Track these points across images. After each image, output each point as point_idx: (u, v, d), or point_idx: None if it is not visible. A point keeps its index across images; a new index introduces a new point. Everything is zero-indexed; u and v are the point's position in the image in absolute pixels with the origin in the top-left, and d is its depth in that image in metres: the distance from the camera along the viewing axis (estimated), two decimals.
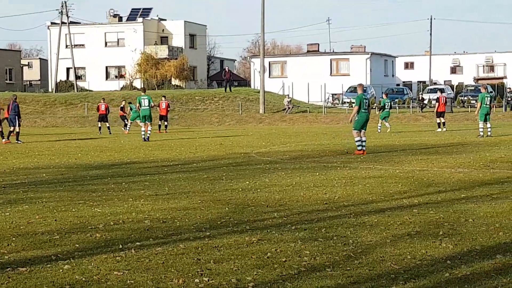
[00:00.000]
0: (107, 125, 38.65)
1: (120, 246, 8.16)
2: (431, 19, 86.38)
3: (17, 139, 29.64)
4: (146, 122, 29.59)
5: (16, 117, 29.85)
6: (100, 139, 32.06)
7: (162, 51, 74.62)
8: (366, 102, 20.89)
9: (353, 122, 20.83)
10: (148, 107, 29.24)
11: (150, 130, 30.00)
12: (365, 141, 20.80)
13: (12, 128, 30.20)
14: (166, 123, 40.16)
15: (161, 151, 23.47)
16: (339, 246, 8.06)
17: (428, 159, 18.48)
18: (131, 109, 38.10)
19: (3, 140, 29.58)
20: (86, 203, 11.50)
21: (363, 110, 20.69)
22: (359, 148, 20.48)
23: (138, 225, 9.55)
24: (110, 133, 37.61)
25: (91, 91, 67.53)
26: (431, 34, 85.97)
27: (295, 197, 11.96)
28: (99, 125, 38.93)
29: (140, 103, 29.19)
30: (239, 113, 54.31)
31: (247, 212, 10.45)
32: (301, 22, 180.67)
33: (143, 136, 29.47)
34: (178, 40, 77.34)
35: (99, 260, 7.53)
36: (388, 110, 36.15)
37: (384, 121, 35.47)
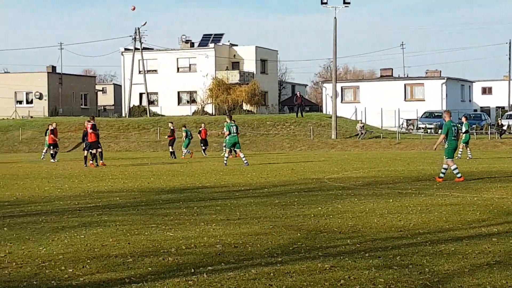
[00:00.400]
0: (171, 149, 39.15)
1: (192, 270, 8.23)
2: (509, 43, 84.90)
3: (85, 163, 30.36)
4: (235, 149, 29.94)
5: (88, 141, 30.85)
6: (172, 164, 32.44)
7: (233, 76, 75.30)
8: (455, 130, 20.69)
9: (437, 149, 20.75)
10: (236, 134, 29.54)
11: (245, 157, 29.92)
12: (446, 168, 20.53)
13: (86, 153, 30.93)
14: (204, 147, 42.57)
15: (232, 176, 23.60)
16: (415, 274, 7.93)
17: (508, 187, 18.07)
18: (186, 134, 39.47)
19: (100, 162, 30.31)
20: (159, 227, 11.65)
21: (453, 138, 20.53)
22: (459, 175, 20.26)
23: (209, 249, 9.61)
24: (174, 157, 38.09)
25: (163, 116, 68.53)
26: (510, 58, 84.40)
27: (368, 223, 11.84)
28: (171, 150, 39.46)
29: (229, 130, 29.45)
30: (311, 138, 54.24)
31: (320, 238, 10.40)
32: (374, 47, 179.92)
33: (225, 162, 29.50)
34: (250, 65, 77.96)
35: (172, 283, 7.61)
36: (468, 134, 35.47)
37: (465, 146, 34.67)
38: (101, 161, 30.56)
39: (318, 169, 26.54)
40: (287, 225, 11.73)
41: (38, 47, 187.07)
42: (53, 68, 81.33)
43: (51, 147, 36.90)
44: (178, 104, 76.94)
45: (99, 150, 30.69)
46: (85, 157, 30.94)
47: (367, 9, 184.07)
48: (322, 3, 53.88)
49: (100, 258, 9.10)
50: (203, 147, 42.54)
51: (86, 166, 30.05)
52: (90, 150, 30.66)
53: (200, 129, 43.76)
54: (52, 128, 37.39)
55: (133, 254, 9.29)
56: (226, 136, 30.23)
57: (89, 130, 30.46)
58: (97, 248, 9.78)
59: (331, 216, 12.78)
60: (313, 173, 24.26)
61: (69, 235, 10.99)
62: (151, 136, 58.19)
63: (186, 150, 39.53)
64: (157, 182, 21.48)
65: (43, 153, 39.30)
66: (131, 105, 73.86)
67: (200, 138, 43.07)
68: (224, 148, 30.20)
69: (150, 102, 74.46)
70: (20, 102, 77.91)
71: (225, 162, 29.64)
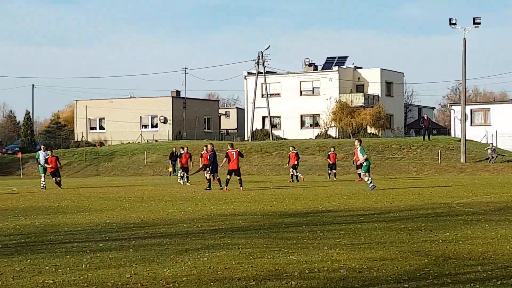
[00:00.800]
0: (295, 173, 39.11)
1: None
2: None
3: (209, 187, 30.77)
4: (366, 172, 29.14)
5: (213, 165, 31.33)
6: (295, 187, 32.49)
7: (357, 99, 74.97)
8: None
9: None
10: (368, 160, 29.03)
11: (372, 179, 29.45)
12: None
13: (208, 175, 31.49)
14: (332, 171, 41.89)
15: (356, 200, 23.40)
16: None
17: None
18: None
19: (221, 188, 30.73)
20: (281, 250, 11.67)
21: None
22: None
23: (333, 274, 9.54)
24: (297, 181, 38.10)
25: (286, 139, 68.94)
26: None
27: (500, 250, 11.44)
28: (292, 173, 39.51)
29: (365, 155, 28.93)
30: (439, 162, 53.12)
31: (448, 265, 10.13)
32: (505, 68, 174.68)
33: (371, 186, 28.68)
34: (374, 88, 77.43)
35: None
36: None
37: None
38: (226, 187, 30.64)
39: (446, 194, 25.92)
40: (413, 251, 11.50)
41: (163, 72, 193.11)
42: (178, 92, 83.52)
43: (181, 170, 37.74)
44: (301, 127, 77.27)
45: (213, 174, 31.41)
46: (209, 180, 31.46)
47: (497, 29, 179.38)
48: (450, 24, 52.94)
49: (223, 281, 9.21)
50: (333, 171, 42.05)
51: (221, 188, 30.57)
52: (213, 174, 31.29)
53: (329, 153, 43.23)
54: (183, 152, 38.25)
55: (255, 278, 9.35)
56: (361, 161, 29.42)
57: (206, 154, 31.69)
58: (220, 271, 9.90)
59: (460, 242, 12.43)
60: (441, 198, 23.71)
61: (193, 257, 11.18)
62: (273, 160, 58.61)
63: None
64: (280, 205, 21.57)
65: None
66: (254, 129, 74.73)
67: (329, 161, 42.78)
68: (363, 173, 29.39)
69: (273, 126, 75.11)
70: (145, 126, 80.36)
71: (371, 186, 28.42)
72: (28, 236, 14.45)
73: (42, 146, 35.17)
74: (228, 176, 30.85)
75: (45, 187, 33.16)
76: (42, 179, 33.63)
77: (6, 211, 21.05)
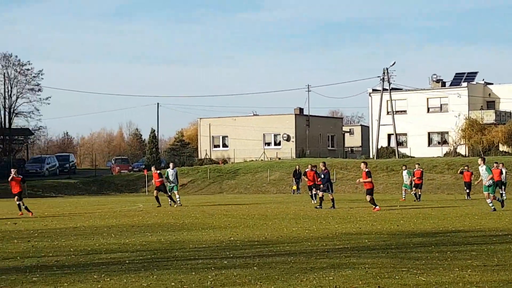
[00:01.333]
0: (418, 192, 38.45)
1: None
2: None
3: (333, 206, 30.50)
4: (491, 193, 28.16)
5: (328, 184, 31.09)
6: (423, 207, 31.85)
7: (488, 116, 73.05)
8: None
9: None
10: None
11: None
12: None
13: (321, 194, 31.31)
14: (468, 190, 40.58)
15: (488, 220, 22.71)
16: None
17: None
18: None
19: (331, 207, 30.56)
20: (410, 271, 11.45)
21: None
22: None
23: None
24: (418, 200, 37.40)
25: (413, 157, 67.86)
26: None
27: None
28: (415, 192, 38.87)
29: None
30: None
31: None
32: None
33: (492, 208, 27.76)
34: (507, 104, 75.18)
35: None
36: None
37: None
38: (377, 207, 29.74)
39: None
40: None
41: (286, 90, 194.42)
42: (301, 110, 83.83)
43: (309, 189, 37.75)
44: (428, 145, 75.93)
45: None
46: (321, 198, 31.28)
47: None
48: None
49: None
50: (467, 190, 40.86)
51: (334, 208, 30.32)
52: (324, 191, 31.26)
53: (463, 170, 42.00)
54: (307, 170, 38.39)
55: None
56: (487, 182, 28.26)
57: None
58: None
59: None
60: None
61: (318, 276, 11.13)
62: (399, 178, 57.64)
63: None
64: (407, 224, 21.20)
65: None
66: (379, 146, 74.01)
67: (464, 181, 41.59)
68: (488, 193, 28.20)
69: (399, 143, 74.16)
70: (268, 144, 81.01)
71: (492, 208, 27.16)
72: (154, 252, 14.80)
73: (171, 164, 35.99)
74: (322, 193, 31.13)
75: (180, 203, 33.94)
76: (177, 196, 34.43)
77: (133, 228, 21.66)
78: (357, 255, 13.70)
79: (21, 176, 30.00)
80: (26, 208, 28.95)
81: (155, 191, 34.41)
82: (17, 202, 29.22)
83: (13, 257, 14.43)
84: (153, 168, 36.14)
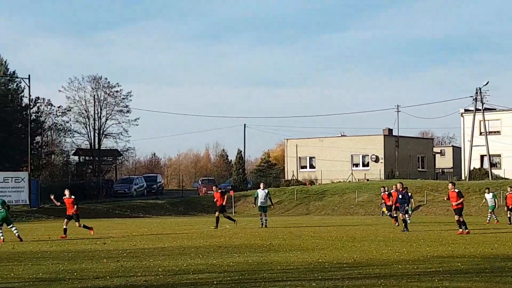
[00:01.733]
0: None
1: None
2: None
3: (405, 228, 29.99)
4: None
5: (405, 205, 30.61)
6: None
7: None
8: None
9: None
10: None
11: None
12: None
13: (401, 216, 30.82)
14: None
15: None
16: None
17: None
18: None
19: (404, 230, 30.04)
20: None
21: None
22: None
23: None
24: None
25: (507, 179, 66.25)
26: None
27: None
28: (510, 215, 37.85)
29: None
30: None
31: None
32: None
33: None
34: None
35: None
36: None
37: None
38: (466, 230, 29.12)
39: None
40: None
41: (375, 110, 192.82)
42: (390, 130, 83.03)
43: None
44: None
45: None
46: (403, 221, 30.80)
47: None
48: None
49: None
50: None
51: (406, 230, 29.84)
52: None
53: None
54: (392, 191, 37.89)
55: None
56: None
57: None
58: None
59: None
60: None
61: None
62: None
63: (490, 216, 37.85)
64: (502, 248, 20.68)
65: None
66: (472, 168, 72.57)
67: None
68: None
69: (492, 165, 72.54)
70: (356, 165, 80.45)
71: None
72: (241, 273, 14.86)
73: (261, 184, 36.09)
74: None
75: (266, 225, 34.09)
76: (264, 218, 34.53)
77: (220, 248, 21.82)
78: (450, 279, 13.44)
79: (73, 197, 28.67)
80: (84, 226, 28.82)
81: (216, 212, 34.62)
82: (64, 227, 28.26)
83: (102, 276, 14.73)
84: (214, 188, 36.64)
